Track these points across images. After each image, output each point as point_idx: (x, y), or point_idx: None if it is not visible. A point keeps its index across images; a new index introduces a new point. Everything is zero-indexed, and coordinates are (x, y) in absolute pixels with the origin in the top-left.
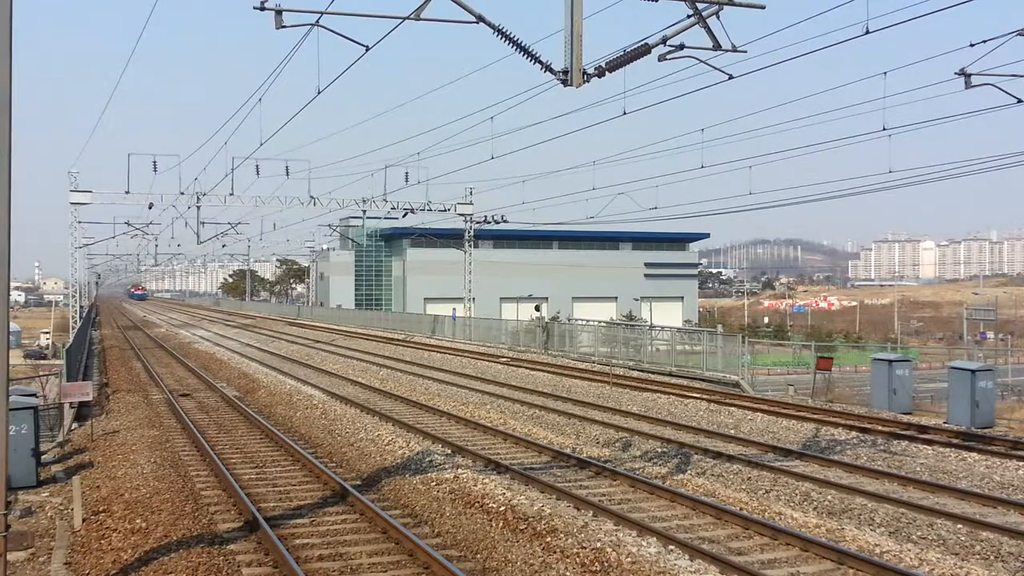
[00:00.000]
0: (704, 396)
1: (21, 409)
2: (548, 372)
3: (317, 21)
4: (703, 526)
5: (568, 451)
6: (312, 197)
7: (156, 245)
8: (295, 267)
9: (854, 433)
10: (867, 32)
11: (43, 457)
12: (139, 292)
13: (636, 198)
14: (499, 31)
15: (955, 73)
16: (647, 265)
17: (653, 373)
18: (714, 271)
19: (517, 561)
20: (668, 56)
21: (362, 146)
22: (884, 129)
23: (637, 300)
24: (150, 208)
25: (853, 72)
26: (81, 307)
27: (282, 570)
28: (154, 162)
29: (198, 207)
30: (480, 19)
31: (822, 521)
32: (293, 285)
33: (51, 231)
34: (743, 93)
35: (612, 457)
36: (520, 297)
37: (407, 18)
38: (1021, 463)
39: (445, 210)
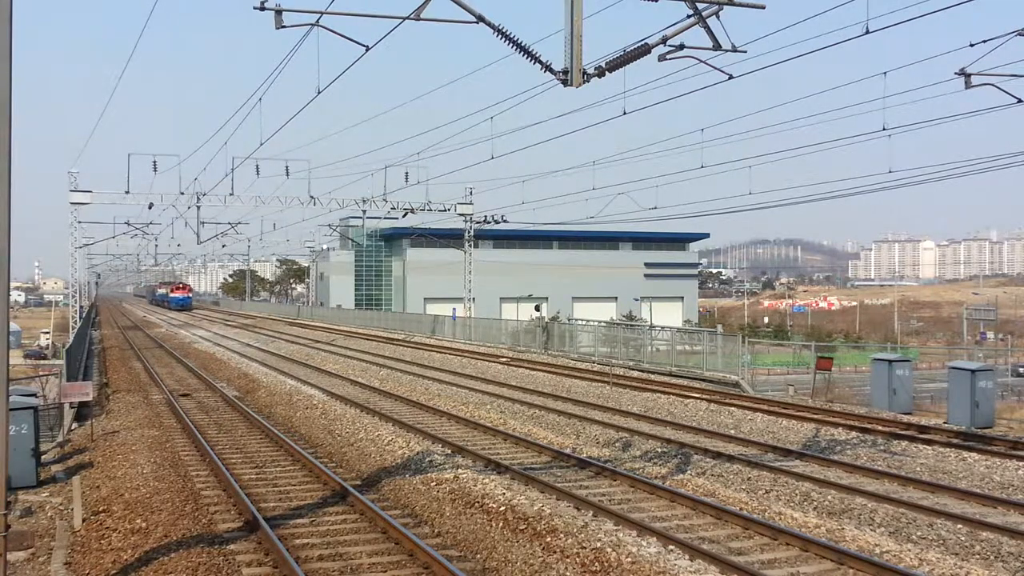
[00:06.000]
0: (704, 396)
1: (21, 409)
2: (548, 372)
3: (317, 21)
4: (703, 526)
5: (568, 451)
6: (312, 197)
7: (156, 245)
8: (295, 267)
9: (854, 433)
10: (867, 32)
11: (43, 457)
12: (179, 295)
13: (636, 198)
14: (499, 31)
15: (955, 73)
16: (647, 265)
17: (653, 373)
18: (714, 271)
19: (517, 561)
20: (668, 56)
21: (362, 146)
22: (884, 129)
23: (637, 300)
24: (150, 208)
25: (853, 72)
26: (81, 307)
27: (282, 570)
28: (154, 162)
29: (198, 207)
30: (480, 19)
31: (822, 521)
32: (293, 285)
33: (51, 231)
34: (743, 93)
35: (612, 457)
36: (520, 297)
37: (407, 18)
38: (1021, 463)
39: (445, 210)
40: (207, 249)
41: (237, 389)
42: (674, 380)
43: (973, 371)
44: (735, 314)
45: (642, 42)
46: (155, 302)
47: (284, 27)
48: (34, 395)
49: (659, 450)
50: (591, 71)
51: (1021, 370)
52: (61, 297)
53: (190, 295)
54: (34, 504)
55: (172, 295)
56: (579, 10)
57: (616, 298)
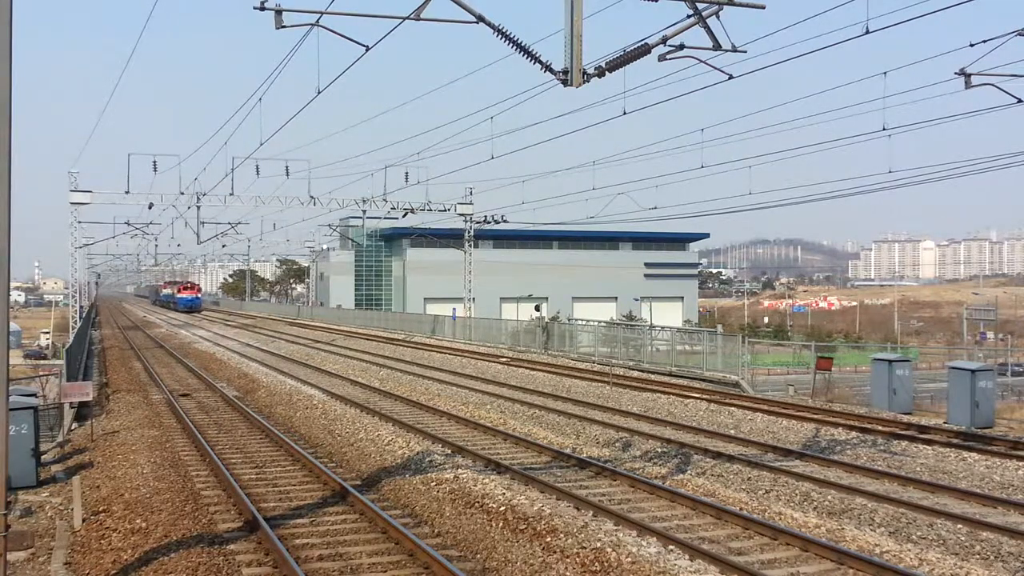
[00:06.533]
0: (704, 396)
1: (21, 409)
2: (548, 372)
3: (317, 21)
4: (703, 526)
5: (568, 451)
6: (312, 197)
7: (156, 245)
8: (295, 267)
9: (854, 433)
10: (867, 32)
11: (43, 457)
12: (187, 295)
13: (636, 198)
14: (499, 31)
15: (955, 73)
16: (647, 265)
17: (653, 373)
18: (714, 271)
19: (517, 561)
20: (668, 56)
21: (362, 146)
22: (884, 129)
23: (637, 300)
24: (150, 208)
25: (853, 72)
26: (81, 307)
27: (282, 570)
28: (154, 162)
29: (198, 207)
30: (480, 19)
31: (822, 521)
32: (293, 285)
33: (51, 231)
34: (743, 93)
35: (612, 457)
36: (520, 297)
37: (407, 18)
38: (1021, 463)
39: (445, 210)
40: (207, 249)
41: (237, 389)
42: (674, 380)
43: (973, 371)
44: (735, 314)
45: (642, 42)
46: (160, 303)
47: (284, 27)
48: (34, 395)
49: (659, 450)
50: (591, 71)
51: (1017, 368)
52: (61, 297)
53: (200, 295)
54: (34, 504)
55: (180, 295)
56: (579, 10)
57: (616, 298)
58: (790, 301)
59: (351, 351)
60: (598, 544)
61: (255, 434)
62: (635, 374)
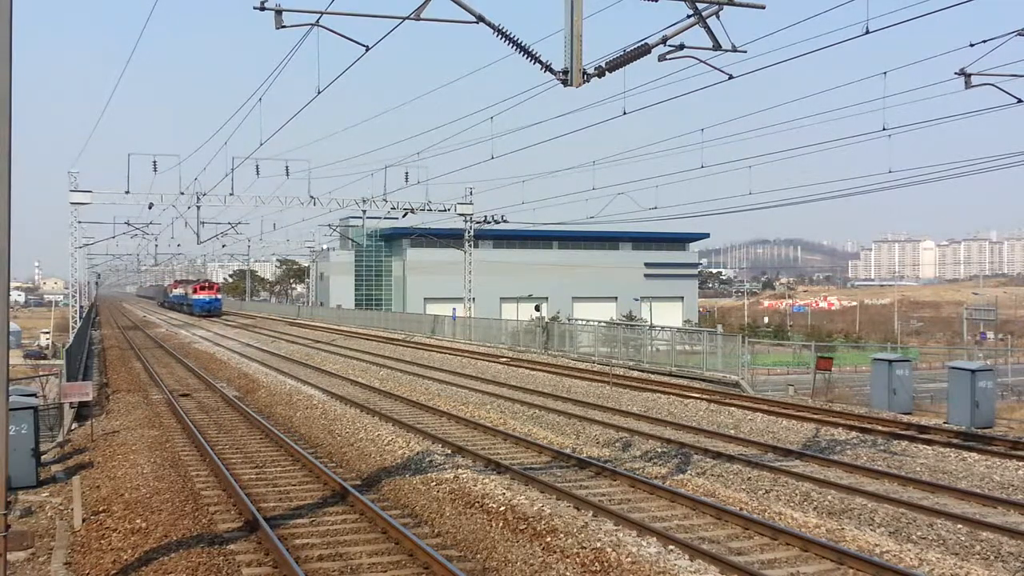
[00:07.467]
0: (704, 396)
1: (21, 409)
2: (548, 372)
3: (317, 21)
4: (703, 526)
5: (568, 451)
6: (312, 197)
7: (156, 245)
8: (295, 267)
9: (854, 433)
10: (867, 32)
11: (43, 457)
12: (204, 296)
13: (636, 198)
14: (499, 31)
15: (955, 73)
16: (647, 265)
17: (653, 373)
18: (714, 271)
19: (517, 561)
20: (668, 56)
21: (362, 146)
22: (884, 129)
23: (637, 300)
24: (150, 208)
25: (853, 72)
26: (81, 307)
27: (282, 570)
28: (154, 162)
29: (198, 207)
30: (480, 19)
31: (822, 521)
32: (293, 285)
33: (51, 231)
34: (743, 93)
35: (612, 457)
36: (520, 297)
37: (407, 18)
38: (1021, 463)
39: (445, 210)
40: (207, 249)
41: (237, 389)
42: (674, 380)
43: (973, 371)
44: (735, 314)
45: (642, 42)
46: (169, 305)
47: (284, 27)
48: (34, 395)
49: (659, 450)
50: (591, 71)
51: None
52: (61, 297)
53: (219, 296)
54: (34, 504)
55: (195, 296)
56: (579, 10)
57: (616, 298)
58: (790, 301)
59: (351, 351)
60: (598, 544)
61: (255, 434)
62: (635, 374)
